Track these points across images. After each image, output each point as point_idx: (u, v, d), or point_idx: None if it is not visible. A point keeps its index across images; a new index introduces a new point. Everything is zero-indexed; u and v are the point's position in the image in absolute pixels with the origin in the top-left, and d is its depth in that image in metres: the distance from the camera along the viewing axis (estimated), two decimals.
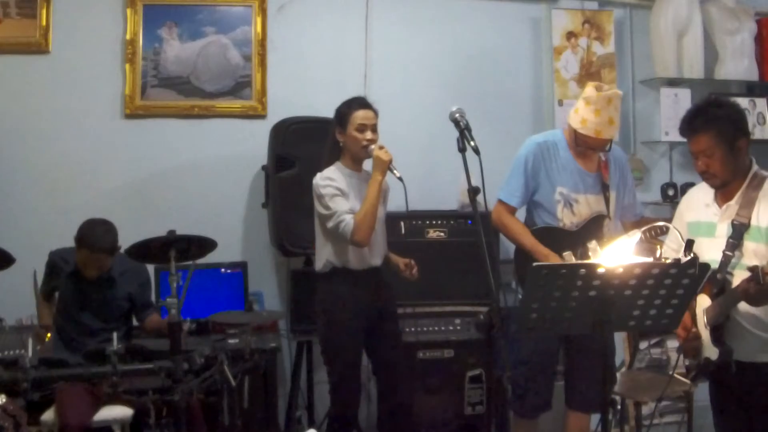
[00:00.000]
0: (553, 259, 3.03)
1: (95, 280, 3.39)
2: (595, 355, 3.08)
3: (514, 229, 3.23)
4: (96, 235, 3.28)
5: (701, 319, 2.58)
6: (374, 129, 3.17)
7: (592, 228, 3.17)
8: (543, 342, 3.16)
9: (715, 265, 2.51)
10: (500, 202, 3.27)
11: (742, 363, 2.50)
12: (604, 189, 3.20)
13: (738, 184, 2.55)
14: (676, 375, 3.03)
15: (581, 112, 3.10)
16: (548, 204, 3.20)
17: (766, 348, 2.49)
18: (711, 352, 2.55)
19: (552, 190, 3.19)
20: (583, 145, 3.16)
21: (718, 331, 2.51)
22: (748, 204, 2.50)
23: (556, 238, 3.14)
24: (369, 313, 3.20)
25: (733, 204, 2.55)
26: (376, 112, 3.19)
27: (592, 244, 3.10)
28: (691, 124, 2.56)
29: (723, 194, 2.60)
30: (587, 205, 3.19)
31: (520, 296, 3.28)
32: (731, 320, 2.51)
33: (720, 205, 2.60)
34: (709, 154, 2.51)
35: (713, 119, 2.51)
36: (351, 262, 3.15)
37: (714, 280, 2.50)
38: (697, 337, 2.59)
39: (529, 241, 3.18)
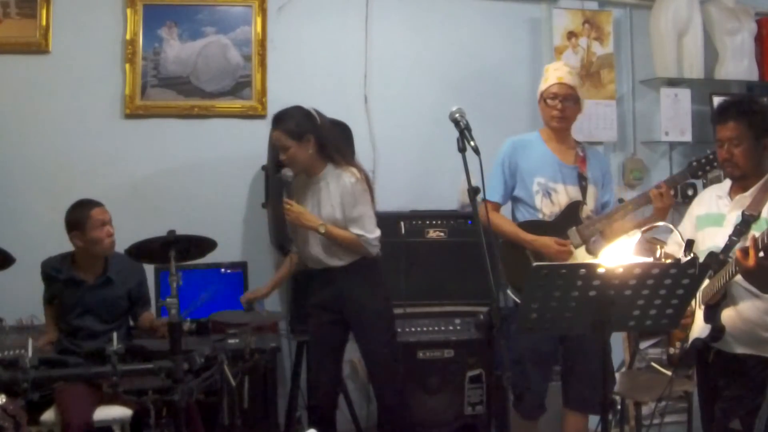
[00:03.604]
0: (537, 243, 3.18)
1: (93, 283, 3.39)
2: (593, 355, 3.11)
3: (497, 222, 3.30)
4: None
5: (696, 299, 2.64)
6: (284, 149, 3.16)
7: (570, 214, 3.26)
8: (540, 342, 3.18)
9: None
10: (485, 200, 3.33)
11: (721, 352, 2.61)
12: (581, 179, 3.28)
13: (754, 181, 2.62)
14: (665, 371, 3.05)
15: (542, 78, 3.36)
16: (527, 197, 3.28)
17: (743, 340, 2.56)
18: (700, 332, 2.61)
19: (531, 181, 3.27)
20: (552, 108, 3.26)
21: (712, 309, 2.58)
22: (761, 199, 2.57)
23: (537, 229, 3.24)
24: (331, 309, 3.28)
25: (747, 196, 2.61)
26: (280, 131, 3.17)
27: (572, 231, 3.23)
28: (725, 111, 2.65)
29: (737, 188, 2.68)
30: (566, 194, 3.26)
31: (510, 294, 3.28)
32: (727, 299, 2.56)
33: (732, 198, 2.67)
34: (736, 143, 2.59)
35: (748, 111, 2.60)
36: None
37: (717, 261, 2.56)
38: (690, 314, 2.64)
39: (512, 229, 3.27)
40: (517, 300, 3.15)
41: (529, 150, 3.31)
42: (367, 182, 3.26)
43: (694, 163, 3.17)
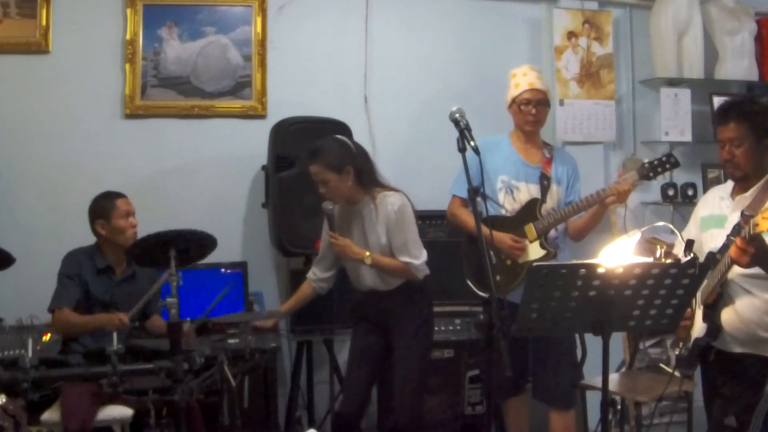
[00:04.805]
0: (496, 237, 3.26)
1: (121, 276, 3.39)
2: (558, 346, 3.30)
3: (462, 219, 3.47)
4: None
5: (696, 299, 2.65)
6: (324, 182, 3.11)
7: (527, 211, 3.40)
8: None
9: None
10: (453, 196, 3.53)
11: (721, 351, 2.62)
12: (543, 179, 3.42)
13: (756, 181, 2.63)
14: (668, 369, 3.07)
15: (512, 83, 3.47)
16: (492, 193, 3.42)
17: (742, 340, 2.57)
18: (699, 332, 2.63)
19: (495, 179, 3.42)
20: (527, 114, 3.39)
21: (710, 309, 2.60)
22: (761, 199, 2.57)
23: (498, 225, 3.35)
24: (374, 322, 3.28)
25: (747, 196, 2.63)
26: (320, 165, 3.10)
27: (528, 226, 3.38)
28: (726, 111, 2.67)
29: (739, 189, 2.69)
30: (528, 192, 3.41)
31: (470, 285, 3.45)
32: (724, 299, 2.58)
33: (734, 199, 2.69)
34: (738, 144, 2.61)
35: (749, 112, 2.62)
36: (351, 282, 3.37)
37: (714, 261, 2.57)
38: (691, 316, 2.66)
39: (473, 224, 3.28)
40: (478, 291, 3.39)
41: (496, 150, 3.43)
42: (410, 203, 3.22)
43: (646, 165, 3.30)
